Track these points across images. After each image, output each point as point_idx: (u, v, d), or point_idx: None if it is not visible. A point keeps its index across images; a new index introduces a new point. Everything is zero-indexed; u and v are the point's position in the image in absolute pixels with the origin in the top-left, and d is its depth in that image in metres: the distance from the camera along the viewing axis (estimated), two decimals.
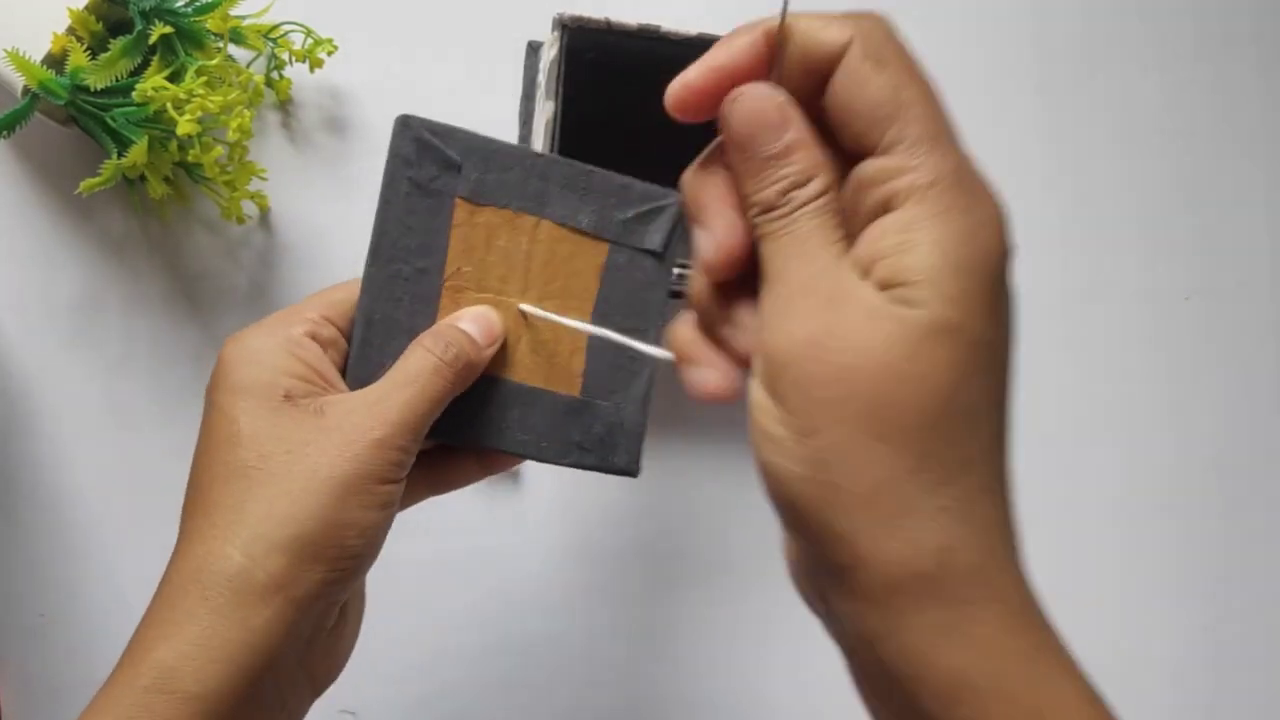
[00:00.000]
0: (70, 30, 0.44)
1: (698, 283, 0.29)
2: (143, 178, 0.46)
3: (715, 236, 0.28)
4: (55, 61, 0.44)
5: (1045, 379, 0.56)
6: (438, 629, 0.51)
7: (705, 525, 0.53)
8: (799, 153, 0.26)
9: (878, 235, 0.25)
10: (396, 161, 0.39)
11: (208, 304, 0.50)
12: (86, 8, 0.44)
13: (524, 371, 0.40)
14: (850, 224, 0.26)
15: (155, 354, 0.50)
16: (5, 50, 0.42)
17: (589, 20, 0.45)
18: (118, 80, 0.43)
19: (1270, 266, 0.58)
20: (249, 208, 0.49)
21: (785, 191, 0.26)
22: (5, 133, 0.44)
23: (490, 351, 0.38)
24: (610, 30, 0.46)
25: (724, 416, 0.53)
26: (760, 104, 0.26)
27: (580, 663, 0.52)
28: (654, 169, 0.52)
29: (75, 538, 0.49)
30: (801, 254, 0.26)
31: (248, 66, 0.49)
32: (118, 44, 0.43)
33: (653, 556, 0.53)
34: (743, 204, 0.27)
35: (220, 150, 0.45)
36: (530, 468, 0.51)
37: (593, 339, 0.40)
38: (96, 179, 0.44)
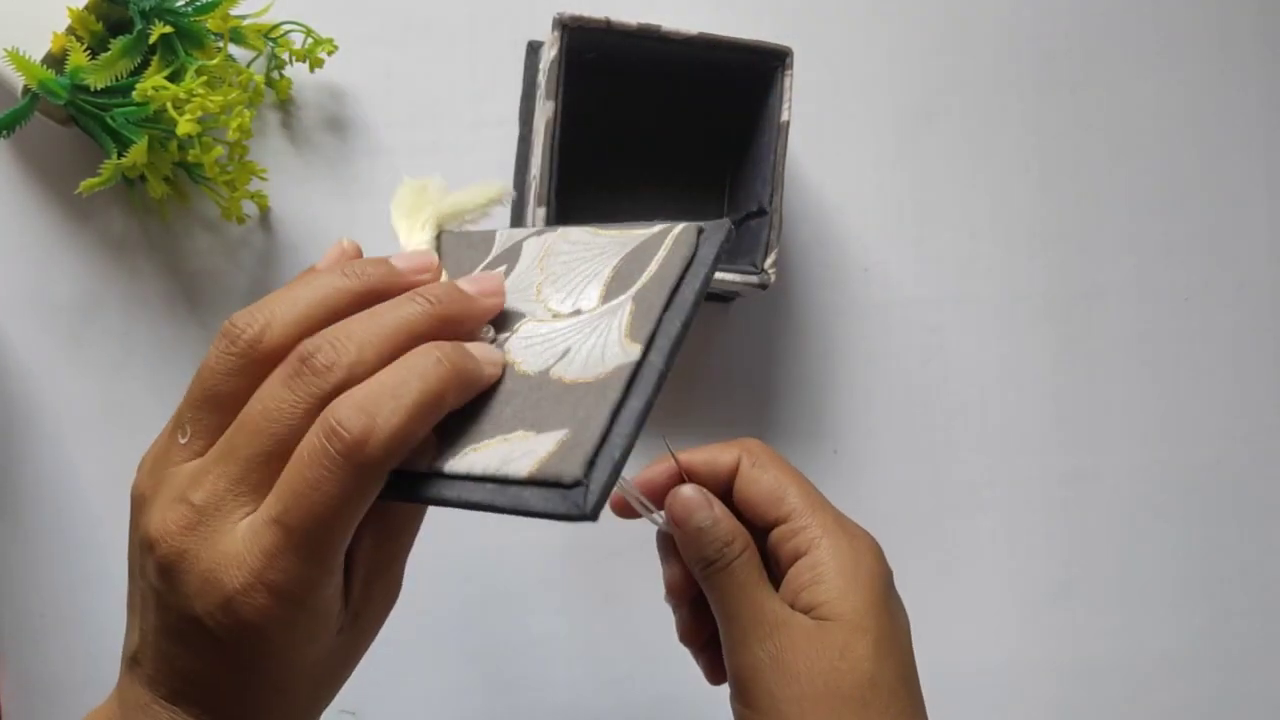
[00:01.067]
0: (70, 30, 0.44)
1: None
2: (143, 177, 0.46)
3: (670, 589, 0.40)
4: (55, 61, 0.44)
5: (1046, 378, 0.56)
6: (438, 629, 0.51)
7: None
8: (724, 523, 0.36)
9: (795, 575, 0.36)
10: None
11: (208, 303, 0.50)
12: (86, 7, 0.44)
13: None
14: (776, 571, 0.37)
15: (155, 353, 0.50)
16: (5, 50, 0.42)
17: (589, 20, 0.45)
18: (118, 80, 0.43)
19: (1270, 266, 0.58)
20: (249, 207, 0.49)
21: (720, 549, 0.36)
22: (5, 132, 0.44)
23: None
24: (610, 30, 0.45)
25: (724, 417, 0.53)
26: (691, 495, 0.37)
27: (580, 663, 0.52)
28: (653, 168, 0.52)
29: (75, 538, 0.49)
30: (743, 595, 0.36)
31: (248, 66, 0.49)
32: (118, 44, 0.43)
33: (652, 556, 0.53)
34: (690, 568, 0.37)
35: (220, 150, 0.45)
36: None
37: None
38: (96, 179, 0.44)
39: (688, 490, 0.37)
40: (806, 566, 0.36)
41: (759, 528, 0.37)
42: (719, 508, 0.37)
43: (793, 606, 0.35)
